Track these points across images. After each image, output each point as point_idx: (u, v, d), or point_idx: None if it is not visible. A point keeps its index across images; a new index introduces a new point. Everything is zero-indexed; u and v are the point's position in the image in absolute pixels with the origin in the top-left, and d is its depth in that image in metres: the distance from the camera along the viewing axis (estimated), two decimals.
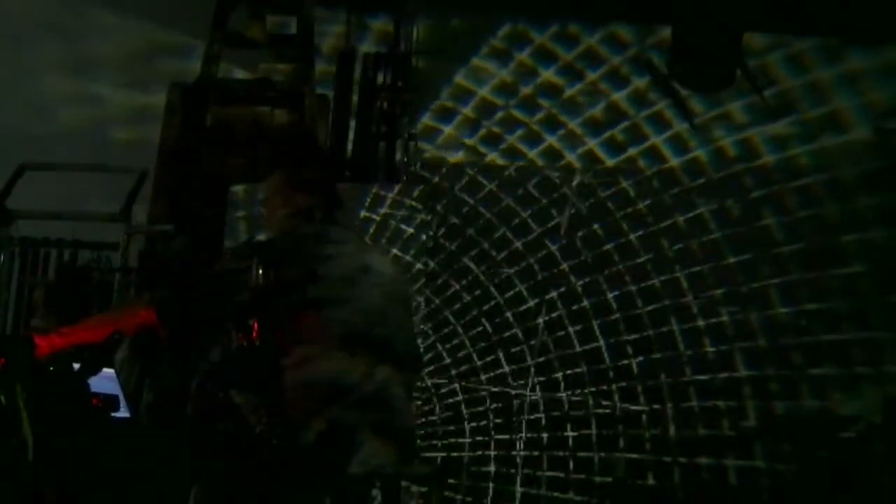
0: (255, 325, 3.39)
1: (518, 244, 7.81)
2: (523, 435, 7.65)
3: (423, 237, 7.60)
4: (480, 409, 7.74)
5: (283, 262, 3.65)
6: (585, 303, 7.72)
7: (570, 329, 7.73)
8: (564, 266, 7.76)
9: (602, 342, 7.72)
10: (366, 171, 7.22)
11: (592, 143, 7.99)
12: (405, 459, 3.65)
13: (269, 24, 7.08)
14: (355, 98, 7.28)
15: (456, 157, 7.97)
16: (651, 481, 7.50)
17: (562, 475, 7.57)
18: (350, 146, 7.23)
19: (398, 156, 7.22)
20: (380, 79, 7.26)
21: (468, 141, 7.99)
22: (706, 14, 7.09)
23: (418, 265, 7.59)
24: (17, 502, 3.11)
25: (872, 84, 7.60)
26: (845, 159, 7.54)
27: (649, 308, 7.68)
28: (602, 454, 7.57)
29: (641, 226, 7.72)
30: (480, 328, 7.79)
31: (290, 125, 6.78)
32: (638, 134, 7.92)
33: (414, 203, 7.61)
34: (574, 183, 7.71)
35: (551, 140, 8.02)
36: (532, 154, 8.05)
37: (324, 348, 3.63)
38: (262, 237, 4.05)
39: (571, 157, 8.03)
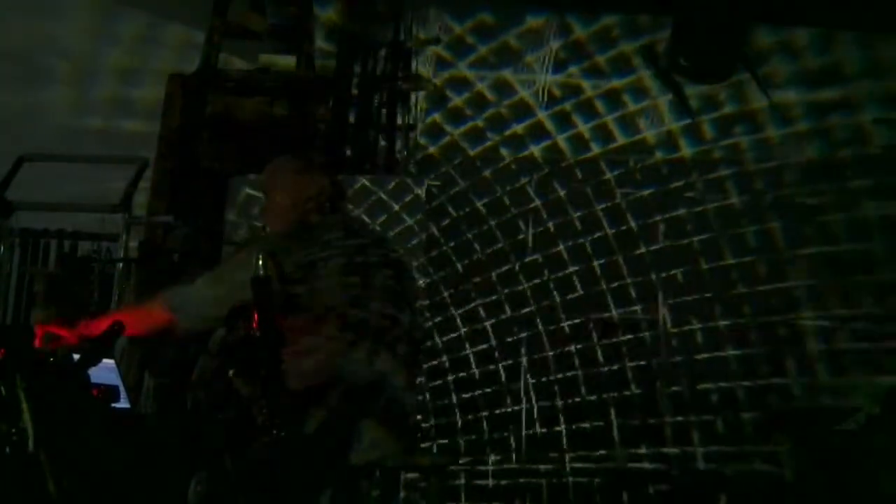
0: (256, 315, 3.38)
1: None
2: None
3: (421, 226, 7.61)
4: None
5: (290, 253, 3.65)
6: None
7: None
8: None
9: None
10: (365, 162, 7.22)
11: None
12: (406, 449, 3.66)
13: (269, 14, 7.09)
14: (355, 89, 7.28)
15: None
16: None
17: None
18: (349, 137, 7.22)
19: (398, 147, 7.21)
20: (379, 69, 7.26)
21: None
22: (708, 5, 7.09)
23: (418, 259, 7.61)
24: (18, 493, 3.11)
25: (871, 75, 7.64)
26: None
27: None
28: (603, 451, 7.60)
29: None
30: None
31: (291, 115, 6.78)
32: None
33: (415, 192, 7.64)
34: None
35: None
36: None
37: (324, 337, 3.63)
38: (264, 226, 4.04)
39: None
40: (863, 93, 7.59)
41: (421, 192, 7.40)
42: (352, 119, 7.20)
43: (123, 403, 4.32)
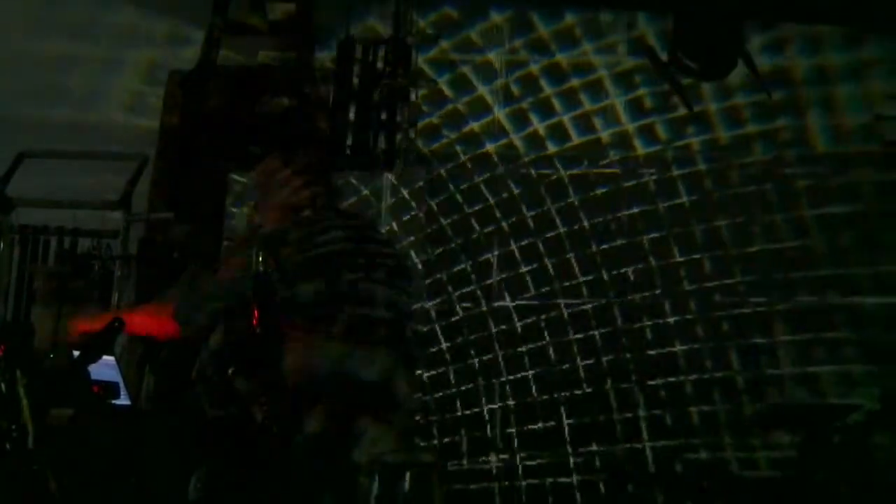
0: (256, 313, 3.38)
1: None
2: None
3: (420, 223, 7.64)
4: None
5: (288, 251, 3.65)
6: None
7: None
8: None
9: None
10: (366, 158, 7.21)
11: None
12: (406, 447, 3.66)
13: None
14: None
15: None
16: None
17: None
18: (350, 134, 7.21)
19: (398, 143, 7.20)
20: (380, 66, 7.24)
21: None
22: (708, 1, 7.10)
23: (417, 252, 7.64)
24: (18, 490, 3.11)
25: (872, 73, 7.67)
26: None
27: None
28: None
29: None
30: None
31: (288, 111, 6.78)
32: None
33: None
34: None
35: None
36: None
37: (324, 335, 3.63)
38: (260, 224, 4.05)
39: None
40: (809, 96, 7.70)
41: (366, 190, 7.42)
42: (351, 116, 7.20)
43: (124, 400, 4.33)
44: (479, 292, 7.80)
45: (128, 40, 7.59)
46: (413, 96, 7.01)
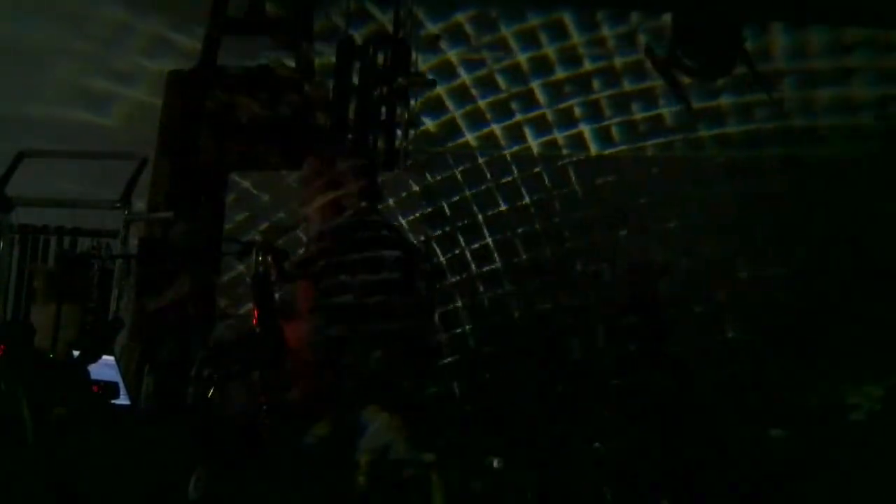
0: (256, 313, 3.39)
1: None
2: None
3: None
4: None
5: (323, 248, 3.66)
6: None
7: None
8: None
9: None
10: (365, 157, 7.21)
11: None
12: (413, 438, 3.68)
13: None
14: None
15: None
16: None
17: None
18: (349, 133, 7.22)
19: (398, 142, 7.21)
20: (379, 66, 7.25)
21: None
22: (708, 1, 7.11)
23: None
24: (18, 487, 3.12)
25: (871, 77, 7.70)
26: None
27: None
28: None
29: None
30: None
31: (290, 112, 6.79)
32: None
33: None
34: None
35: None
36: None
37: (342, 334, 3.65)
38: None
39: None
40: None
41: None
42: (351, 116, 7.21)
43: (124, 400, 4.34)
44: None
45: (128, 39, 7.60)
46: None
